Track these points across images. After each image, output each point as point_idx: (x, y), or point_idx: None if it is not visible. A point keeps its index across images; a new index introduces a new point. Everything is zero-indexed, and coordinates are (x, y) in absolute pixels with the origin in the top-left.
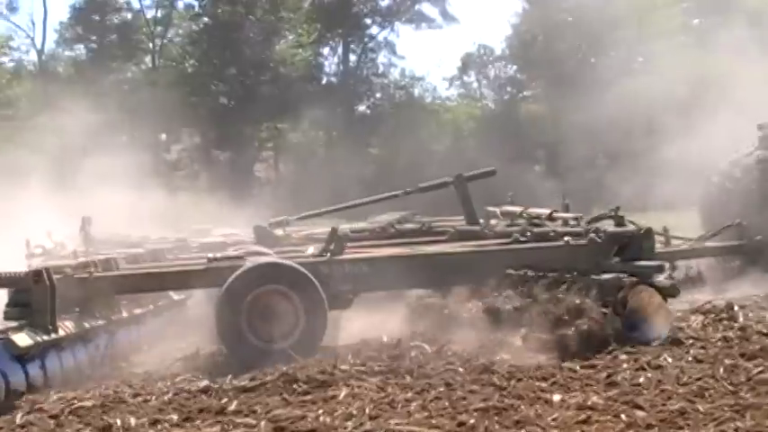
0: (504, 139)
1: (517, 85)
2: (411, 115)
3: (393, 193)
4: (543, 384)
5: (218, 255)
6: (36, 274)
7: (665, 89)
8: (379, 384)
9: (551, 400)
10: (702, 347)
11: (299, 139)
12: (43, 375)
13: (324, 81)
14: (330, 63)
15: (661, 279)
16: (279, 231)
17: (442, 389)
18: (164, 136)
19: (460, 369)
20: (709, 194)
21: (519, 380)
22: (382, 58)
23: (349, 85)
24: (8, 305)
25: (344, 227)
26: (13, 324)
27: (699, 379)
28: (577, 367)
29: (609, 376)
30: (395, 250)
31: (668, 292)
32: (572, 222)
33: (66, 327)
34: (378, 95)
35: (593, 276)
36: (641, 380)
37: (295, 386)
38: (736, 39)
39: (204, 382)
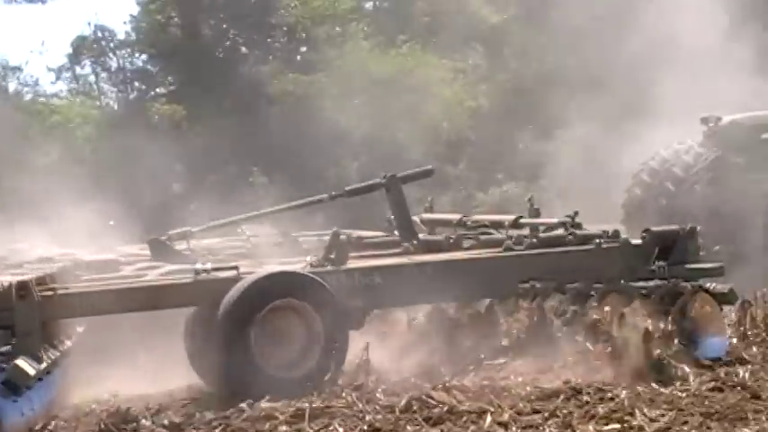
0: (130, 148)
1: (147, 80)
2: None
3: (317, 197)
4: None
5: (208, 265)
6: (21, 288)
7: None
8: None
9: None
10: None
11: None
12: (33, 413)
13: None
14: None
15: (716, 284)
16: (182, 245)
17: None
18: None
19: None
20: (634, 197)
21: None
22: None
23: None
24: None
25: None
26: None
27: None
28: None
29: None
30: (409, 258)
31: (725, 299)
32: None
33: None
34: None
35: (639, 283)
36: None
37: None
38: None
39: None
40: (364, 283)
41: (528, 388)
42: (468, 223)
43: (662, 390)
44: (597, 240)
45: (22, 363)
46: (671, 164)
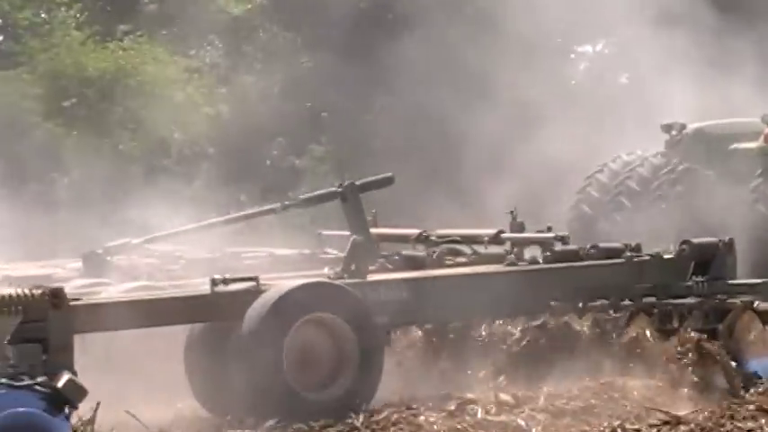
0: None
1: None
2: None
3: (269, 207)
4: None
5: (226, 276)
6: (55, 295)
7: None
8: None
9: None
10: None
11: None
12: None
13: None
14: None
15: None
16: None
17: None
18: None
19: None
20: (583, 215)
21: None
22: None
23: None
24: (13, 340)
25: None
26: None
27: None
28: None
29: None
30: (434, 271)
31: None
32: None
33: None
34: None
35: (677, 300)
36: None
37: None
38: None
39: None
40: (390, 299)
41: None
42: (433, 238)
43: None
44: (628, 254)
45: (75, 378)
46: (624, 176)
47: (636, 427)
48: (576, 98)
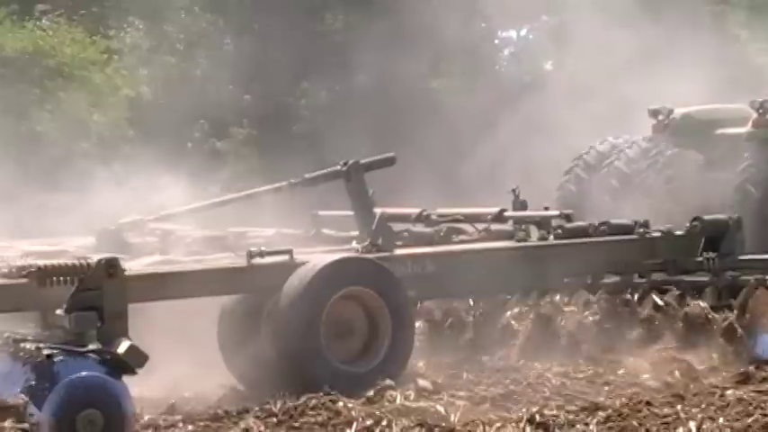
0: None
1: None
2: None
3: (276, 185)
4: None
5: (261, 248)
6: (110, 265)
7: None
8: None
9: None
10: None
11: None
12: None
13: None
14: None
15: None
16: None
17: None
18: None
19: None
20: (569, 195)
21: None
22: None
23: None
24: (70, 309)
25: None
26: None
27: None
28: None
29: None
30: (458, 246)
31: None
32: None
33: None
34: None
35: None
36: None
37: None
38: None
39: None
40: (416, 272)
41: None
42: (434, 217)
43: None
44: (641, 230)
45: (136, 345)
46: (613, 158)
47: (554, 413)
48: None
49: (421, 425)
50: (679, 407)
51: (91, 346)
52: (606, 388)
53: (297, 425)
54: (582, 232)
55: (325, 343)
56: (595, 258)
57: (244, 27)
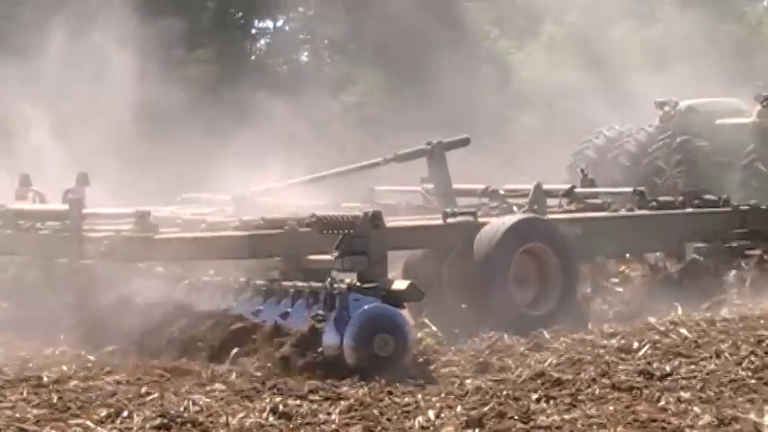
0: None
1: None
2: None
3: (373, 161)
4: None
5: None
6: (375, 218)
7: None
8: None
9: None
10: None
11: None
12: None
13: None
14: None
15: None
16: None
17: None
18: None
19: None
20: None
21: None
22: None
23: None
24: (341, 254)
25: None
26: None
27: None
28: None
29: None
30: (599, 213)
31: None
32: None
33: None
34: None
35: None
36: None
37: None
38: None
39: None
40: (569, 233)
41: None
42: (501, 192)
43: None
44: (735, 204)
45: (415, 283)
46: (623, 141)
47: (297, 403)
48: None
49: None
50: (420, 395)
51: (373, 284)
52: None
53: None
54: (670, 205)
55: (513, 290)
56: (697, 227)
57: None
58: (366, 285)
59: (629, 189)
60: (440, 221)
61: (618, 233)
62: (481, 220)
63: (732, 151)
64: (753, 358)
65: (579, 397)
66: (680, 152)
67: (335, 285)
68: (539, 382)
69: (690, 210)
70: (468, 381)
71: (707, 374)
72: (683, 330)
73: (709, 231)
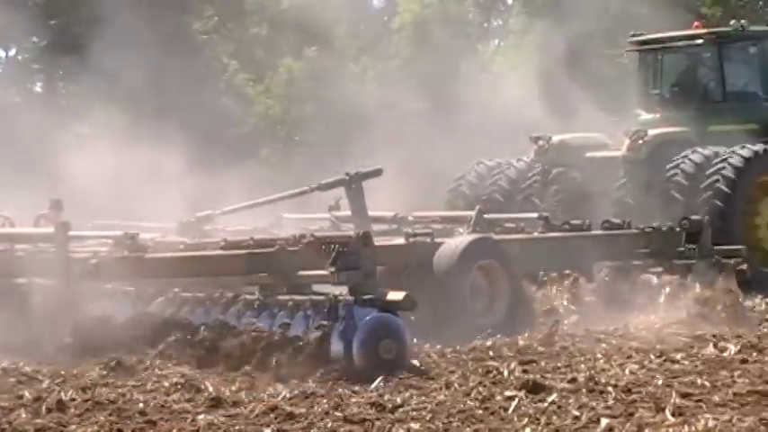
0: None
1: None
2: None
3: (301, 189)
4: None
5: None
6: (366, 237)
7: None
8: None
9: None
10: None
11: None
12: None
13: None
14: None
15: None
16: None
17: None
18: None
19: None
20: (455, 207)
21: None
22: None
23: None
24: (337, 269)
25: None
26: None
27: None
28: None
29: None
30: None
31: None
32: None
33: None
34: None
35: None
36: None
37: None
38: None
39: None
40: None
41: None
42: (410, 218)
43: None
44: (655, 224)
45: (410, 294)
46: (495, 178)
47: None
48: None
49: None
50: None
51: (370, 296)
52: None
53: None
54: (580, 228)
55: (470, 302)
56: (605, 247)
57: None
58: (366, 297)
59: (535, 215)
60: (403, 241)
61: (547, 252)
62: (437, 240)
63: (603, 182)
64: (480, 389)
65: (312, 431)
66: (555, 183)
67: (341, 297)
68: (272, 416)
69: (599, 232)
70: (200, 417)
71: (436, 405)
72: (415, 362)
73: (617, 252)
